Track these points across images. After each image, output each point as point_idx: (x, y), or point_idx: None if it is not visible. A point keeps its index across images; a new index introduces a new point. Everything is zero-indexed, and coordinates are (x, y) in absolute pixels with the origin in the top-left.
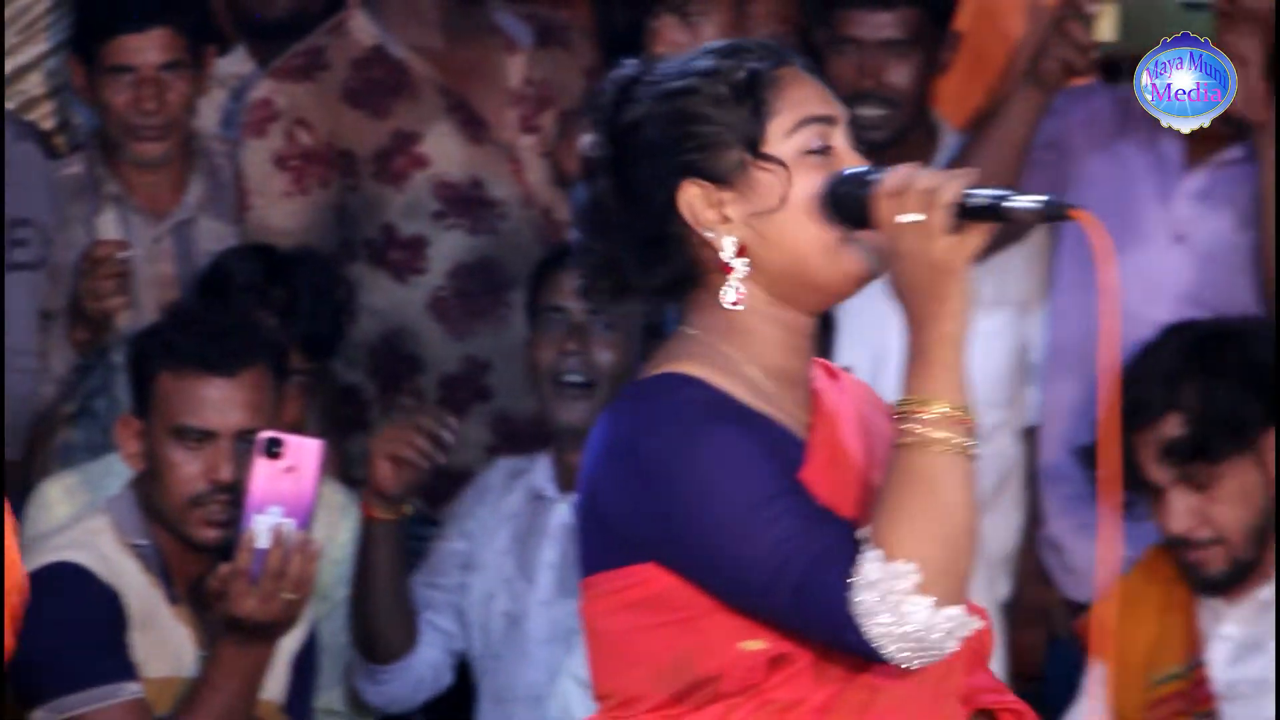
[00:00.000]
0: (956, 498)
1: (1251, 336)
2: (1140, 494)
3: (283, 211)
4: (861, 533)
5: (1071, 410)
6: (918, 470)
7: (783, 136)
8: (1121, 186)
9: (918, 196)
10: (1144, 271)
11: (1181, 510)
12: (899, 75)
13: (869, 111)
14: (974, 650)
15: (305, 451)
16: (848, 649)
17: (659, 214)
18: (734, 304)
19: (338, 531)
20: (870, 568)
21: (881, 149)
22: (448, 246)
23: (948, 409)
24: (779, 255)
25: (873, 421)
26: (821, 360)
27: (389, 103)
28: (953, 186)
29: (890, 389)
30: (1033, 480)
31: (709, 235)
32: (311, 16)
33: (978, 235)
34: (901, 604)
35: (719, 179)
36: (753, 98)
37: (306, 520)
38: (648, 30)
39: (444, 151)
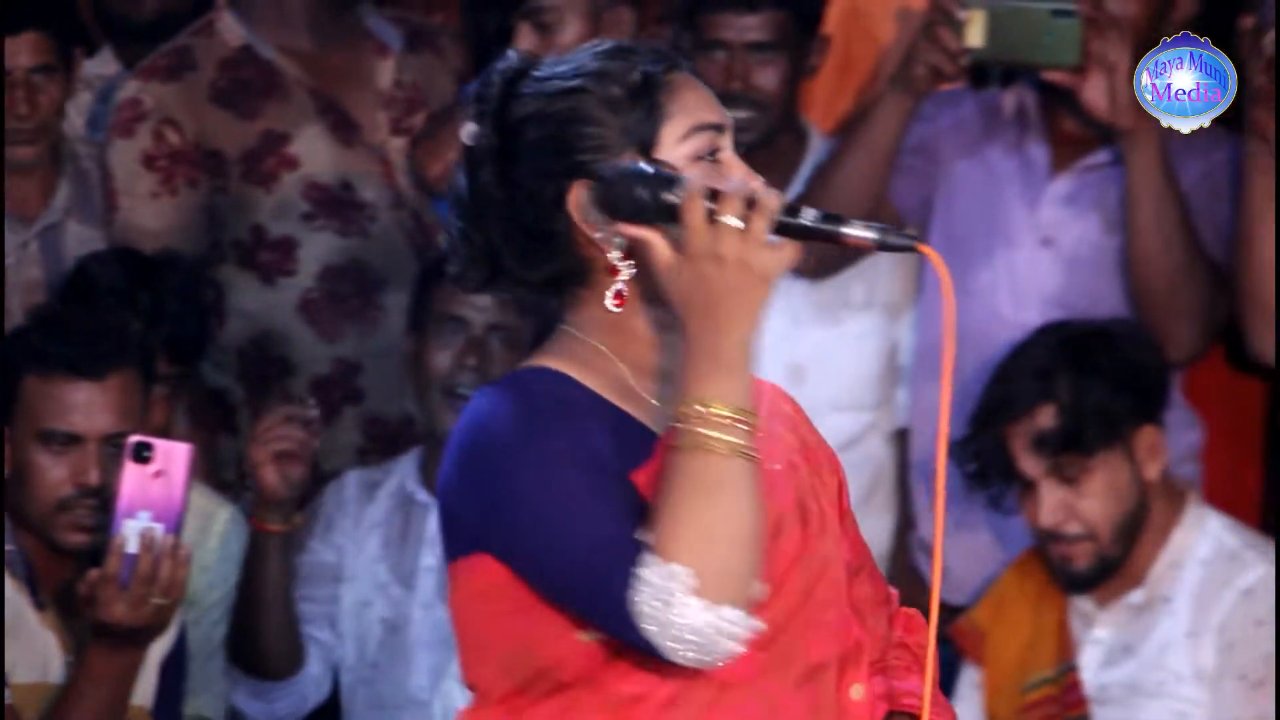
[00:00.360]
0: (737, 502)
1: (1124, 337)
2: (1011, 488)
3: (151, 211)
4: (642, 534)
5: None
6: (697, 473)
7: (675, 142)
8: (989, 190)
9: (739, 202)
10: (1013, 274)
11: (1051, 503)
12: (766, 78)
13: (736, 114)
14: (849, 647)
15: (174, 456)
16: (635, 647)
17: (545, 211)
18: (616, 306)
19: (207, 537)
20: (648, 570)
21: (750, 151)
22: (317, 248)
23: (731, 412)
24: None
25: (767, 422)
26: None
27: (258, 103)
28: (775, 198)
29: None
30: (904, 482)
31: (597, 237)
32: (178, 18)
33: (795, 249)
34: (675, 605)
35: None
36: (647, 101)
37: (176, 525)
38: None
39: (314, 153)
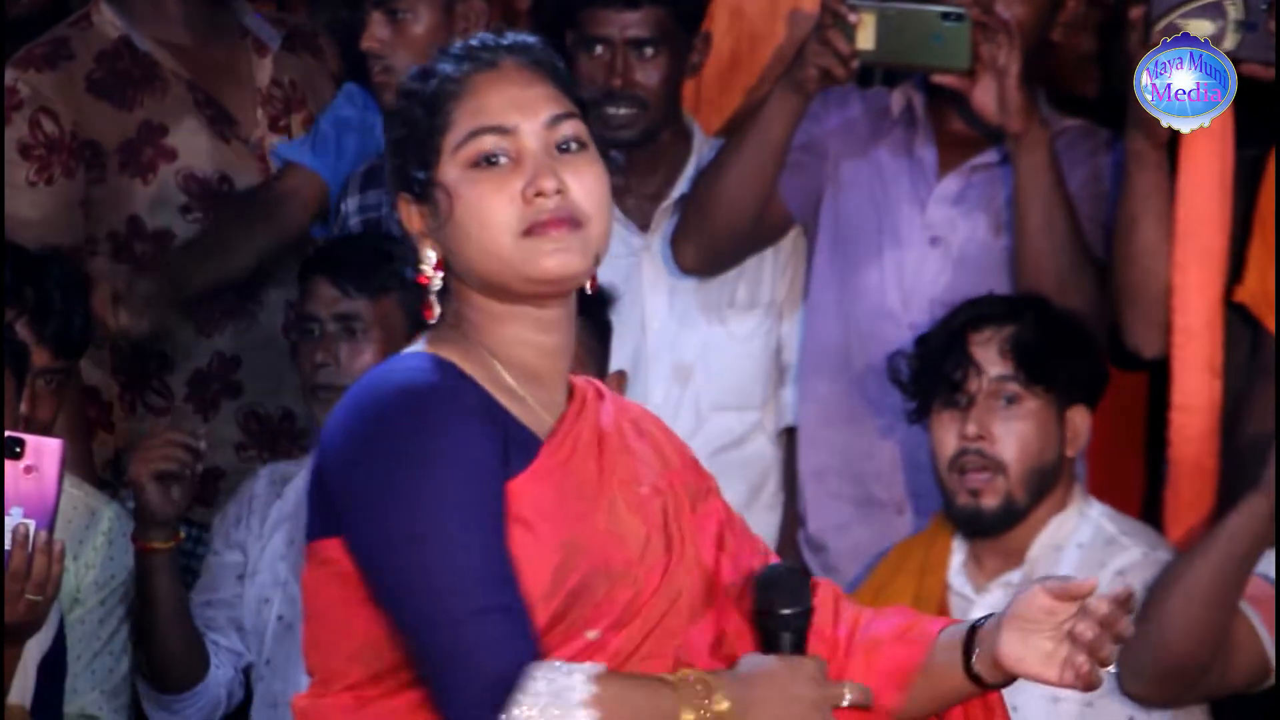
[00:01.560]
0: None
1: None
2: (950, 389)
3: (26, 201)
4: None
5: (830, 409)
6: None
7: (452, 150)
8: (878, 190)
9: None
10: (901, 274)
11: (979, 416)
12: (647, 75)
13: (617, 111)
14: None
15: (46, 451)
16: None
17: (398, 218)
18: (430, 317)
19: (93, 535)
20: (539, 681)
21: (631, 148)
22: None
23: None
24: (467, 269)
25: (633, 443)
26: (591, 380)
27: (136, 94)
28: None
29: (645, 390)
30: (791, 481)
31: (414, 242)
32: (51, 14)
33: None
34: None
35: (415, 193)
36: (438, 110)
37: (49, 521)
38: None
39: (192, 145)
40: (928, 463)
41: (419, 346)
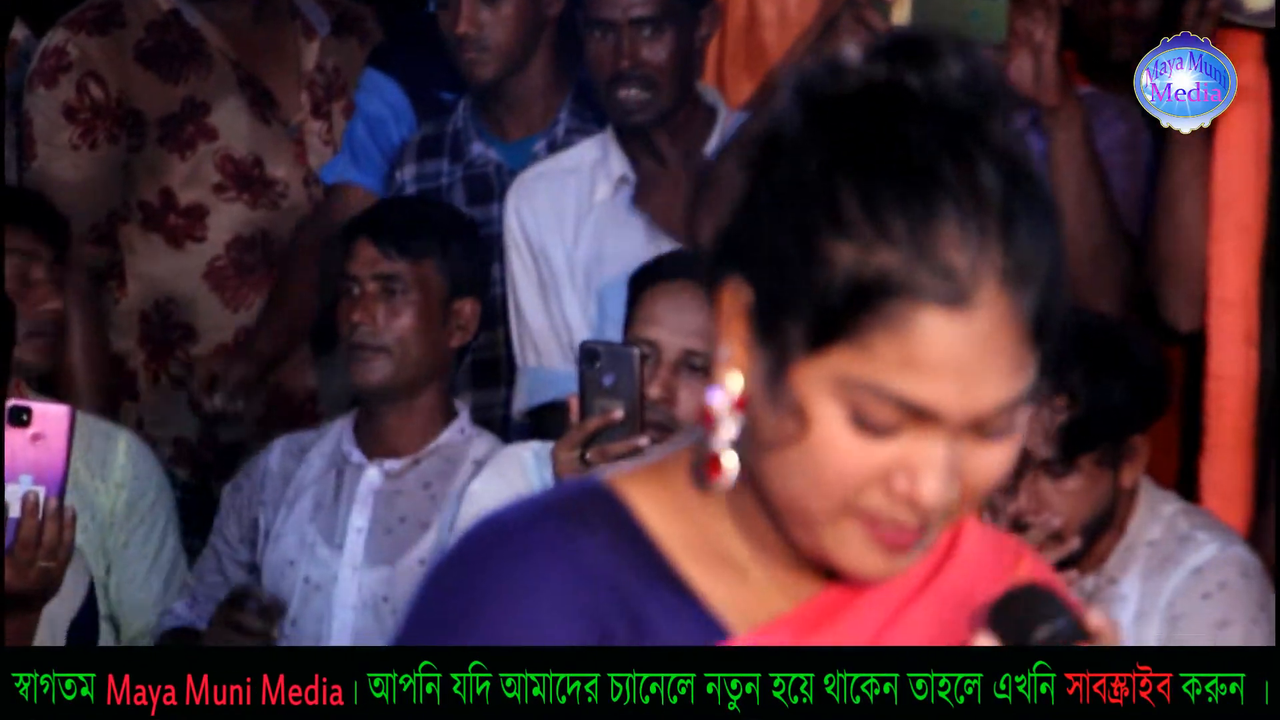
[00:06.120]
0: None
1: (1136, 341)
2: None
3: (69, 163)
4: None
5: None
6: None
7: (840, 375)
8: None
9: None
10: None
11: (1028, 491)
12: (654, 53)
13: (629, 93)
14: None
15: (52, 418)
16: None
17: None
18: (716, 480)
19: (114, 455)
20: None
21: (648, 128)
22: (228, 218)
23: None
24: (765, 483)
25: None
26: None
27: (182, 68)
28: None
29: None
30: None
31: (720, 346)
32: None
33: None
34: None
35: (772, 312)
36: (852, 310)
37: (59, 487)
38: (443, 9)
39: (232, 126)
40: None
41: (613, 472)
